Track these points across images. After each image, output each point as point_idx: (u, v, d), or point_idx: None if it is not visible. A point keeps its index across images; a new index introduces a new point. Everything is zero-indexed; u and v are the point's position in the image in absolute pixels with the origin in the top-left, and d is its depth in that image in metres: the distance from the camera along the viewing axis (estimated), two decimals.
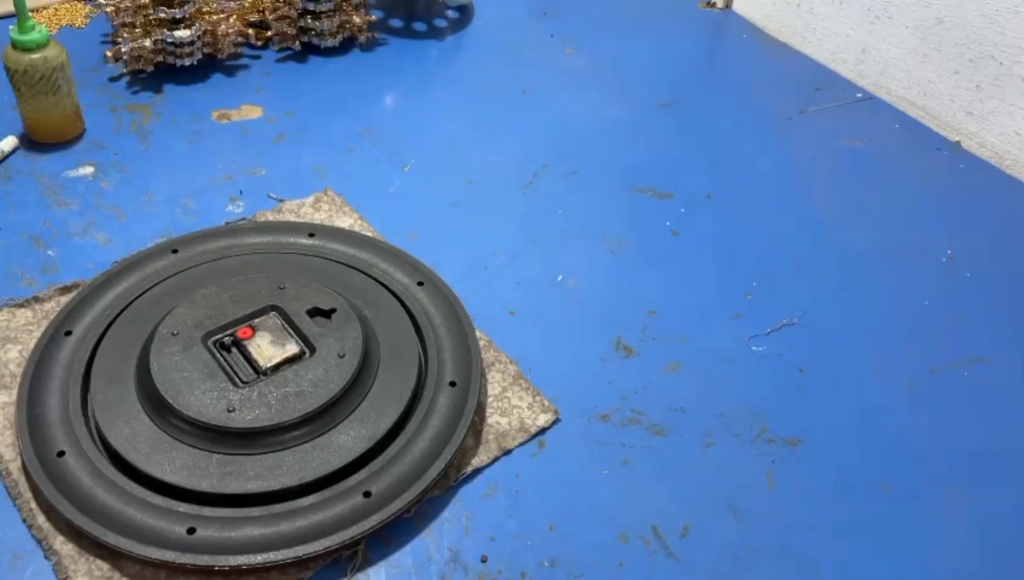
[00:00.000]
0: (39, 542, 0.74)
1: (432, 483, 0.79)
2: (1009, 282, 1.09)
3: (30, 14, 1.09)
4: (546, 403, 0.89)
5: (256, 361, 0.84)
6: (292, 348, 0.85)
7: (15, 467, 0.79)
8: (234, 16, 1.34)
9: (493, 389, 0.90)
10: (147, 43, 1.26)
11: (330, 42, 1.40)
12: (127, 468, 0.77)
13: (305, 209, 1.10)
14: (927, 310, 1.05)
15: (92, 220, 1.06)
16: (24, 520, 0.76)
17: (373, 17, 1.43)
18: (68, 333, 0.88)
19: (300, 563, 0.74)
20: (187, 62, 1.30)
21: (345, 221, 1.08)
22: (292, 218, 1.08)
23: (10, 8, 1.33)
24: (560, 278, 1.05)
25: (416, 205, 1.13)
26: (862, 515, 0.83)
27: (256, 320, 0.88)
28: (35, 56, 1.09)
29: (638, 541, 0.79)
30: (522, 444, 0.86)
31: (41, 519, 0.76)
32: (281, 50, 1.40)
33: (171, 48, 1.28)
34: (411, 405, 0.85)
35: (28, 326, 0.92)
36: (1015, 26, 1.22)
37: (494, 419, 0.87)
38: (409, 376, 0.86)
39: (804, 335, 1.00)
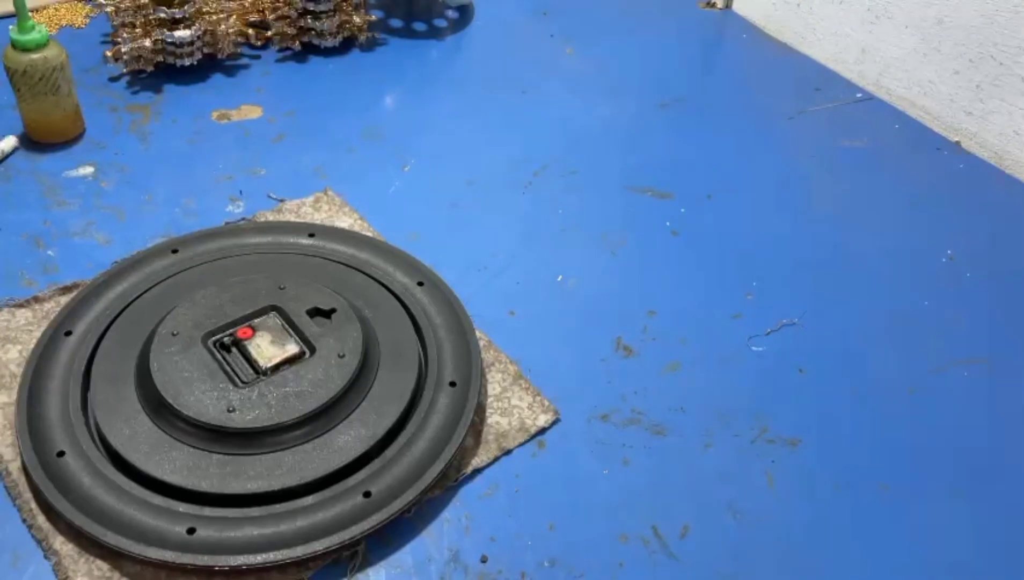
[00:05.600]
0: (39, 542, 0.74)
1: (432, 483, 0.79)
2: (1009, 282, 1.09)
3: (30, 14, 1.09)
4: (546, 403, 0.89)
5: (256, 361, 0.84)
6: (292, 348, 0.85)
7: (15, 467, 0.79)
8: (234, 16, 1.34)
9: (493, 389, 0.90)
10: (147, 43, 1.27)
11: (330, 42, 1.40)
12: (127, 468, 0.77)
13: (305, 209, 1.10)
14: (927, 310, 1.05)
15: (92, 220, 1.06)
16: (24, 520, 0.76)
17: (373, 17, 1.43)
18: (68, 333, 0.88)
19: (300, 563, 0.74)
20: (187, 62, 1.30)
21: (345, 221, 1.08)
22: (292, 218, 1.08)
23: (10, 8, 1.33)
24: (560, 278, 1.05)
25: (416, 205, 1.13)
26: (862, 515, 0.83)
27: (256, 320, 0.88)
28: (35, 56, 1.09)
29: (638, 541, 0.79)
30: (522, 444, 0.86)
31: (41, 519, 0.76)
32: (281, 50, 1.40)
33: (171, 48, 1.28)
34: (411, 405, 0.85)
35: (28, 326, 0.92)
36: (1015, 26, 1.22)
37: (494, 419, 0.87)
38: (409, 376, 0.86)
39: (804, 335, 1.00)
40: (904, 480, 0.86)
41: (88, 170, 1.14)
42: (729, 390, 0.93)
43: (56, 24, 1.41)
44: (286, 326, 0.88)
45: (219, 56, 1.34)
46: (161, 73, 1.31)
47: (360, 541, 0.75)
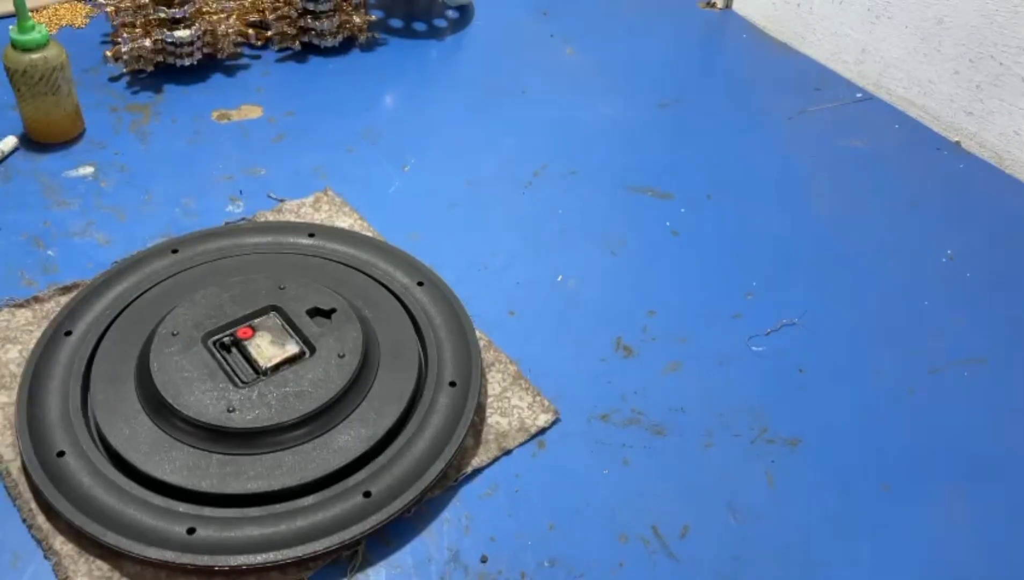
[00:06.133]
0: (39, 542, 0.74)
1: (432, 483, 0.79)
2: (1009, 282, 1.09)
3: (30, 14, 1.09)
4: (546, 403, 0.89)
5: (256, 361, 0.84)
6: (292, 348, 0.85)
7: (15, 467, 0.79)
8: (234, 16, 1.34)
9: (493, 389, 0.90)
10: (147, 43, 1.27)
11: (330, 42, 1.40)
12: (127, 468, 0.77)
13: (305, 209, 1.10)
14: (927, 310, 1.05)
15: (92, 220, 1.06)
16: (24, 520, 0.76)
17: (373, 17, 1.43)
18: (68, 333, 0.88)
19: (300, 563, 0.74)
20: (187, 62, 1.30)
21: (345, 221, 1.08)
22: (292, 218, 1.08)
23: (10, 8, 1.33)
24: (560, 278, 1.05)
25: (416, 205, 1.13)
26: (862, 515, 0.83)
27: (256, 320, 0.88)
28: (35, 56, 1.09)
29: (638, 541, 0.79)
30: (522, 444, 0.86)
31: (41, 519, 0.76)
32: (281, 50, 1.40)
33: (171, 48, 1.28)
34: (411, 405, 0.85)
35: (28, 326, 0.92)
36: (1015, 26, 1.22)
37: (494, 419, 0.87)
38: (409, 376, 0.86)
39: (804, 335, 1.00)
40: (904, 480, 0.86)
41: (88, 170, 1.14)
42: (729, 390, 0.93)
43: (56, 24, 1.41)
44: (286, 326, 0.88)
45: (219, 56, 1.34)
46: (161, 73, 1.31)
47: (360, 541, 0.76)
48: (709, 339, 0.99)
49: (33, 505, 0.77)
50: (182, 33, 1.27)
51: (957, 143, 1.33)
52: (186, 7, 1.26)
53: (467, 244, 1.08)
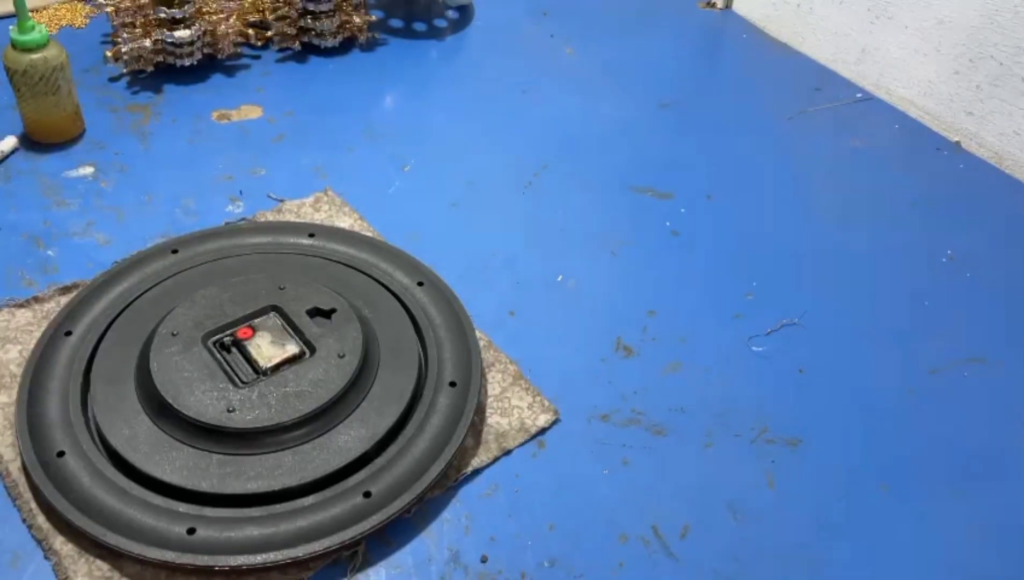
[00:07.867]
0: (39, 542, 0.75)
1: (432, 483, 0.79)
2: (1009, 282, 1.09)
3: (30, 14, 1.09)
4: (546, 403, 0.89)
5: (256, 361, 0.84)
6: (292, 348, 0.85)
7: (15, 467, 0.79)
8: (234, 16, 1.34)
9: (493, 389, 0.90)
10: (147, 43, 1.27)
11: (330, 42, 1.40)
12: (127, 468, 0.77)
13: (305, 209, 1.10)
14: (927, 310, 1.05)
15: (92, 220, 1.06)
16: (24, 520, 0.76)
17: (373, 17, 1.43)
18: (68, 333, 0.88)
19: (300, 563, 0.74)
20: (187, 62, 1.30)
21: (345, 221, 1.08)
22: (292, 218, 1.08)
23: (10, 8, 1.33)
24: (560, 278, 1.05)
25: (416, 205, 1.13)
26: (862, 515, 0.83)
27: (256, 320, 0.88)
28: (35, 56, 1.09)
29: (638, 541, 0.79)
30: (522, 444, 0.86)
31: (41, 519, 0.76)
32: (281, 50, 1.40)
33: (171, 48, 1.29)
34: (411, 405, 0.85)
35: (28, 326, 0.92)
36: (1015, 26, 1.22)
37: (494, 419, 0.87)
38: (409, 376, 0.86)
39: (804, 335, 1.00)
40: (904, 480, 0.86)
41: (88, 170, 1.14)
42: (729, 390, 0.93)
43: (56, 24, 1.41)
44: (286, 326, 0.88)
45: (219, 56, 1.34)
46: (161, 73, 1.31)
47: (360, 541, 0.76)
48: (709, 339, 0.99)
49: (33, 505, 0.77)
50: (182, 33, 1.27)
51: (957, 143, 1.33)
52: (186, 7, 1.27)
53: (467, 244, 1.08)
